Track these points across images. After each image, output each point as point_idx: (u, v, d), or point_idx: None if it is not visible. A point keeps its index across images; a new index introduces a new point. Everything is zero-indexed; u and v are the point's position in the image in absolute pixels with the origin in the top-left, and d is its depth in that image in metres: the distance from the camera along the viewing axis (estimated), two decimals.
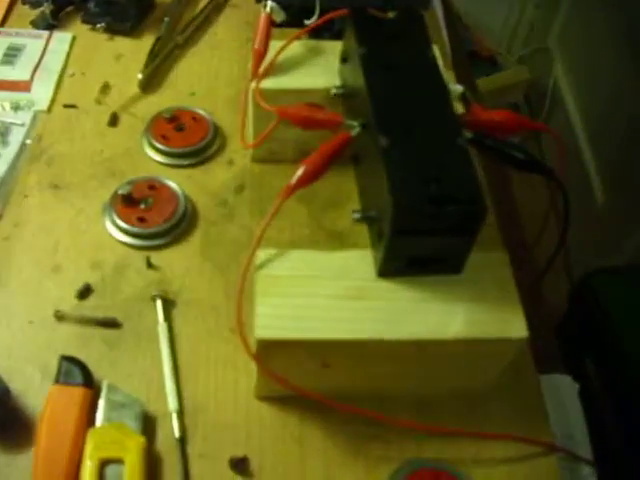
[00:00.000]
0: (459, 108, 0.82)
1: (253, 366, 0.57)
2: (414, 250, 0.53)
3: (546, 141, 2.03)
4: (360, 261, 0.56)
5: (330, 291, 0.54)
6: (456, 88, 0.82)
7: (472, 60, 1.90)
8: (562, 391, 0.66)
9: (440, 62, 0.66)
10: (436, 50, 0.69)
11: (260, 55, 0.68)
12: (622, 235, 1.57)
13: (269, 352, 0.53)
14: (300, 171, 0.56)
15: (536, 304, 0.79)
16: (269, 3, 0.70)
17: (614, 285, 1.22)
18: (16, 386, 0.58)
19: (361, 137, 0.58)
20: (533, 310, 0.61)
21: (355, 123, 0.58)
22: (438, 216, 0.50)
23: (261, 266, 0.55)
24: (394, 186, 0.50)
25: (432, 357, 0.55)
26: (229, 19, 0.92)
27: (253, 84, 0.67)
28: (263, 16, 0.69)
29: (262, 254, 0.56)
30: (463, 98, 0.82)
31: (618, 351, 1.10)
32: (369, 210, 0.57)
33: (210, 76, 0.84)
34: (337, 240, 0.69)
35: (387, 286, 0.55)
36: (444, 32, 0.91)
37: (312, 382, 0.56)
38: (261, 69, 0.68)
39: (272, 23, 0.69)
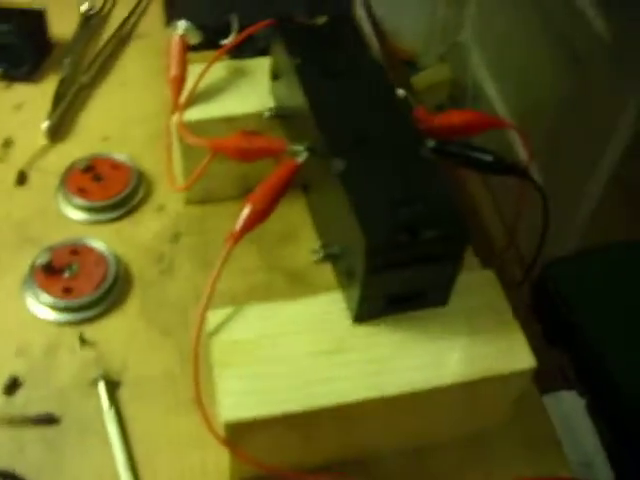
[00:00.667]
0: None
1: None
2: (393, 287, 0.45)
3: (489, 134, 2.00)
4: (330, 307, 0.48)
5: (300, 349, 0.46)
6: (398, 92, 0.75)
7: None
8: (568, 409, 0.59)
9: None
10: None
11: (178, 82, 0.60)
12: (562, 221, 1.54)
13: (240, 434, 0.44)
14: (245, 212, 0.48)
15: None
16: (181, 24, 0.61)
17: (570, 273, 1.17)
18: None
19: (310, 162, 0.50)
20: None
21: (301, 147, 0.51)
22: (417, 245, 0.43)
23: (215, 331, 0.47)
24: (361, 218, 0.42)
25: (429, 405, 0.47)
26: (137, 51, 0.83)
27: (175, 117, 0.59)
28: (175, 39, 0.61)
29: (213, 316, 0.47)
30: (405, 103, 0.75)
31: (583, 341, 1.05)
32: (331, 246, 0.49)
33: (123, 116, 0.75)
34: (297, 281, 0.61)
35: (366, 332, 0.47)
36: (373, 37, 0.85)
37: (295, 458, 0.48)
38: (182, 99, 0.60)
39: (187, 46, 0.61)
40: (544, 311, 1.19)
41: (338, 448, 0.49)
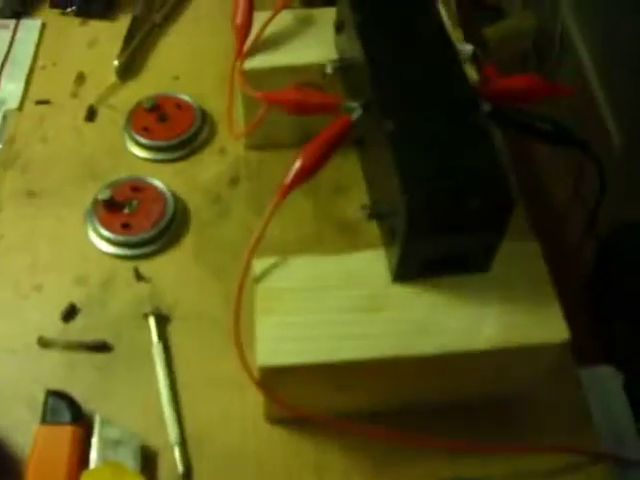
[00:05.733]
0: (472, 73, 0.74)
1: None
2: (433, 251, 0.46)
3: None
4: (372, 264, 0.49)
5: (340, 303, 0.47)
6: (466, 48, 0.74)
7: (475, 10, 1.80)
8: (605, 385, 0.59)
9: (446, 20, 0.59)
10: (441, 7, 0.61)
11: (243, 30, 0.60)
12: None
13: (274, 379, 0.46)
14: (296, 166, 0.49)
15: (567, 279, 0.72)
16: None
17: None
18: (1, 424, 0.52)
19: (364, 119, 0.51)
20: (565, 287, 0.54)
21: (355, 104, 0.51)
22: (459, 212, 0.43)
23: (260, 278, 0.48)
24: (405, 179, 0.43)
25: (460, 368, 0.48)
26: None
27: (237, 65, 0.60)
28: None
29: (260, 264, 0.49)
30: (474, 58, 0.74)
31: None
32: (378, 205, 0.50)
33: (195, 56, 0.76)
34: (348, 232, 0.62)
35: (404, 292, 0.48)
36: None
37: (326, 404, 0.50)
38: (246, 46, 0.60)
39: None
40: (606, 273, 1.17)
41: (369, 399, 0.50)
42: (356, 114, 0.50)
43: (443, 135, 0.46)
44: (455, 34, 0.76)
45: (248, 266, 0.48)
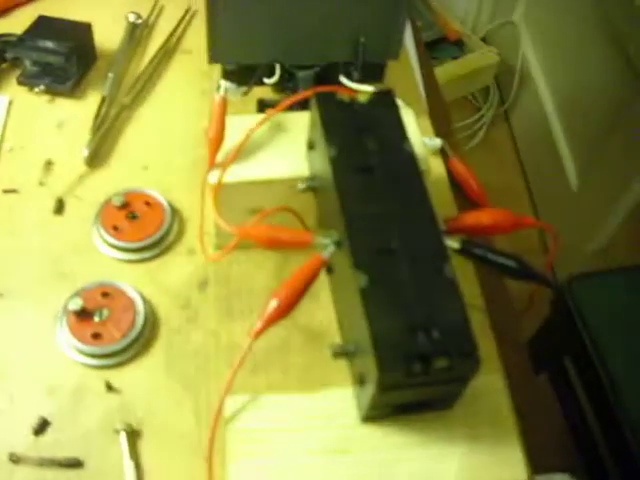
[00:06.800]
0: (439, 166, 0.76)
1: None
2: (401, 400, 0.48)
3: (516, 118, 1.98)
4: (341, 403, 0.51)
5: (308, 445, 0.49)
6: (434, 142, 0.76)
7: (439, 45, 1.83)
8: None
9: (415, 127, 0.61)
10: (410, 115, 0.63)
11: (216, 144, 0.61)
12: (599, 216, 1.54)
13: None
14: (270, 309, 0.50)
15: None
16: (223, 83, 0.62)
17: (595, 291, 1.18)
18: None
19: (335, 254, 0.52)
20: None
21: (327, 241, 0.52)
22: (428, 371, 0.45)
23: (232, 418, 0.50)
24: (377, 342, 0.44)
25: None
26: (182, 68, 0.84)
27: (210, 178, 0.60)
28: (217, 100, 0.62)
29: (232, 402, 0.50)
30: (441, 151, 0.77)
31: (598, 356, 1.08)
32: (348, 344, 0.52)
33: (164, 142, 0.76)
34: (315, 341, 0.63)
35: (372, 433, 0.50)
36: (418, 74, 0.84)
37: None
38: (218, 158, 0.61)
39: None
40: (561, 322, 1.21)
41: None
42: (328, 251, 0.52)
43: (415, 290, 0.47)
44: (424, 125, 0.79)
45: (220, 411, 0.49)
